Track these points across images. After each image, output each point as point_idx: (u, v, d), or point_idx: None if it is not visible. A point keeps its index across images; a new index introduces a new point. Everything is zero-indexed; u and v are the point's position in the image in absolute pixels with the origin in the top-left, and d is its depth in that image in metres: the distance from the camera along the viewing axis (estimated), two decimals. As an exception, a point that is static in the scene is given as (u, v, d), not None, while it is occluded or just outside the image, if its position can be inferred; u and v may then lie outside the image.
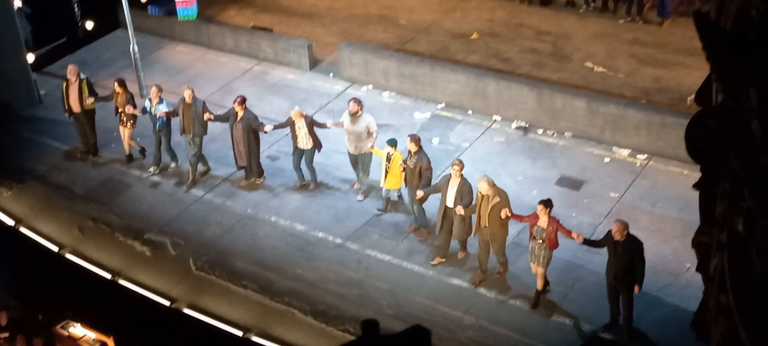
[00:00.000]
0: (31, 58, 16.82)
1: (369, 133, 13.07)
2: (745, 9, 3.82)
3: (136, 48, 16.24)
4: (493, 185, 11.13)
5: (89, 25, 18.79)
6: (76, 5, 18.90)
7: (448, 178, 11.65)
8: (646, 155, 13.86)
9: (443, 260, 12.01)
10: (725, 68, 3.96)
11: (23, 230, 13.57)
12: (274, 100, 16.12)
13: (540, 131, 14.71)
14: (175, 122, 13.92)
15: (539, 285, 11.15)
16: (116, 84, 14.15)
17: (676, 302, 10.95)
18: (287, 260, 12.36)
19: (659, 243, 11.88)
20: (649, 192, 13.01)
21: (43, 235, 13.47)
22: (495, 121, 15.11)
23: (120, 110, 14.21)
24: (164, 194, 13.89)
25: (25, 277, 13.50)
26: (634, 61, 16.33)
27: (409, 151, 12.20)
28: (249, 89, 16.37)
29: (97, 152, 14.86)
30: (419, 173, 12.07)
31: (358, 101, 13.20)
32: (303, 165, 13.53)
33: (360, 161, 13.34)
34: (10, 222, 13.68)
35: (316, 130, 13.33)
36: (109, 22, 19.02)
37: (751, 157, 3.90)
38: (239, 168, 13.88)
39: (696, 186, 5.09)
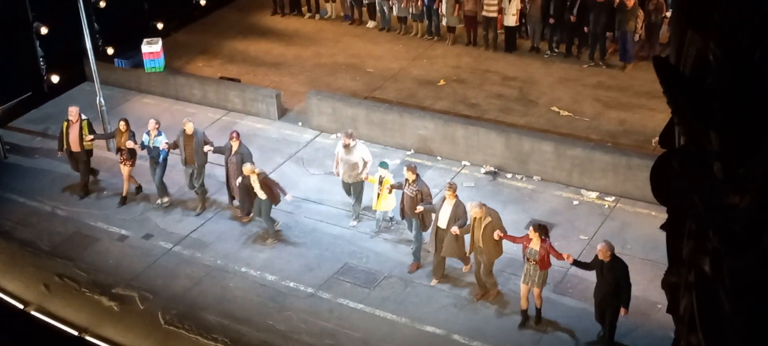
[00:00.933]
0: (-4, 113, 16.69)
1: (364, 163, 13.48)
2: (703, 54, 3.92)
3: (102, 100, 16.19)
4: (483, 206, 11.61)
5: (55, 78, 18.67)
6: (41, 59, 18.77)
7: (442, 200, 12.10)
8: (613, 197, 14.02)
9: (440, 280, 12.42)
10: (685, 112, 4.04)
11: (-13, 287, 13.32)
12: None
13: (509, 175, 14.84)
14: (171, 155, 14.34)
15: (538, 304, 11.49)
16: (121, 123, 14.52)
17: (648, 343, 11.00)
18: (258, 311, 12.25)
19: (629, 284, 11.94)
20: (618, 233, 13.12)
21: (7, 292, 13.21)
22: (464, 166, 15.21)
23: (121, 149, 14.55)
24: (132, 247, 13.74)
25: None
26: (599, 104, 16.58)
27: (408, 180, 12.59)
28: (218, 139, 16.25)
29: (88, 192, 15.13)
30: (420, 200, 12.41)
31: (350, 134, 13.57)
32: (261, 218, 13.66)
33: (353, 190, 13.77)
34: (-26, 280, 13.42)
35: (278, 184, 13.43)
36: (76, 75, 18.95)
37: (715, 198, 3.97)
38: (231, 199, 14.18)
39: (663, 227, 5.14)
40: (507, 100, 16.98)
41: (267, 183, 13.26)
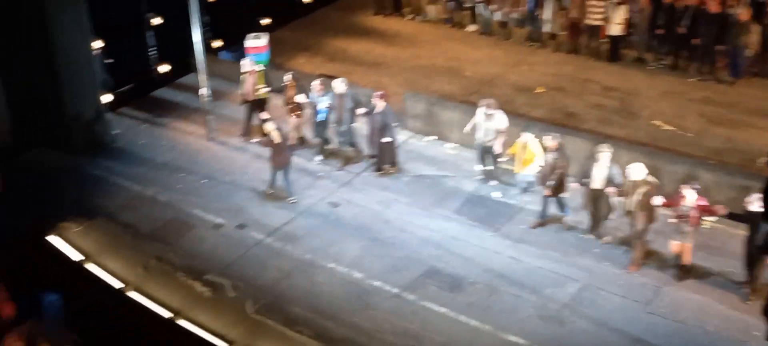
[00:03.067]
0: (107, 99, 17.43)
1: (499, 130, 14.32)
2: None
3: (206, 91, 16.68)
4: (644, 172, 12.09)
5: (163, 68, 19.40)
6: (151, 50, 19.52)
7: (596, 162, 12.63)
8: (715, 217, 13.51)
9: (595, 233, 13.18)
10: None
11: (90, 265, 13.94)
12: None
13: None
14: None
15: (687, 259, 12.06)
16: (290, 78, 15.88)
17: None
18: (343, 307, 12.39)
19: (726, 309, 11.54)
20: (717, 254, 12.66)
21: (109, 271, 13.79)
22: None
23: (290, 102, 15.78)
24: (226, 236, 14.12)
25: (89, 313, 13.84)
26: (704, 120, 16.03)
27: (550, 149, 13.17)
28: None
29: (250, 136, 16.55)
30: (554, 170, 13.05)
31: (490, 102, 14.38)
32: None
33: (491, 153, 14.67)
34: (79, 257, 14.07)
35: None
36: (183, 66, 19.60)
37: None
38: (369, 158, 15.39)
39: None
40: (607, 111, 16.62)
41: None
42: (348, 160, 15.67)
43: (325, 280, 12.95)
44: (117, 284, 13.55)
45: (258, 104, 16.40)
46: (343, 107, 15.20)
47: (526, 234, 13.64)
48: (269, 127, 14.50)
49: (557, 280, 12.54)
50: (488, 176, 14.90)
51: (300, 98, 15.69)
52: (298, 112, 15.91)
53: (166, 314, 12.77)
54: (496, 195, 14.67)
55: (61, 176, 16.16)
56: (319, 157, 15.84)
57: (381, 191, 14.93)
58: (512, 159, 14.26)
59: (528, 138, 13.88)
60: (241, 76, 16.45)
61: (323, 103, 15.43)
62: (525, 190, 14.35)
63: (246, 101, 16.52)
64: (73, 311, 14.26)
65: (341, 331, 11.98)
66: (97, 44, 17.13)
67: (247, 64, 16.43)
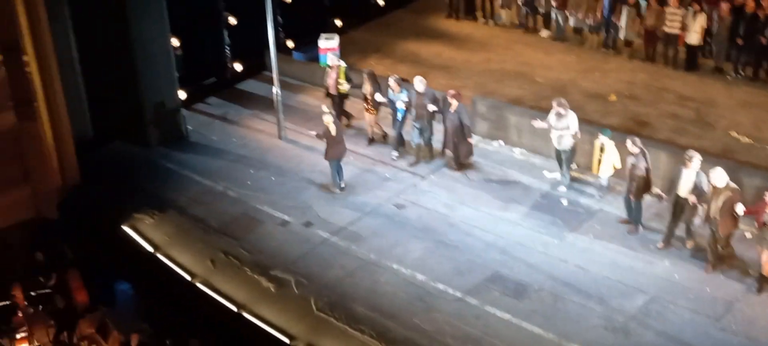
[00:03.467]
0: (182, 95, 17.85)
1: (572, 132, 14.33)
2: None
3: (277, 90, 16.93)
4: (725, 179, 11.97)
5: (238, 66, 19.77)
6: (226, 48, 19.91)
7: (681, 169, 12.50)
8: (791, 233, 13.04)
9: (668, 245, 13.00)
10: None
11: (160, 257, 14.29)
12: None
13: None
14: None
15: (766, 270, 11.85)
16: (365, 75, 16.39)
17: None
18: (406, 309, 12.41)
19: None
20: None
21: (178, 263, 14.12)
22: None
23: (367, 98, 16.26)
24: (292, 233, 14.30)
25: (159, 302, 14.20)
26: (784, 132, 15.52)
27: (631, 152, 13.13)
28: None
29: (349, 123, 17.25)
30: (632, 174, 13.10)
31: (562, 102, 14.36)
32: None
33: (564, 156, 14.62)
34: (150, 248, 14.44)
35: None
36: (257, 65, 19.95)
37: None
38: (444, 156, 15.70)
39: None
40: (681, 121, 16.23)
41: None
42: (423, 158, 15.84)
43: (388, 280, 13.00)
44: (186, 276, 13.87)
45: (340, 98, 16.99)
46: (422, 105, 15.39)
47: (593, 242, 13.43)
48: (327, 119, 14.81)
49: (625, 291, 12.30)
50: (559, 180, 14.86)
51: (378, 97, 16.05)
52: (373, 110, 16.29)
53: (232, 307, 13.01)
54: (564, 201, 14.49)
55: (137, 168, 16.61)
56: (395, 154, 16.13)
57: (447, 193, 14.90)
58: (580, 165, 14.20)
59: (604, 139, 13.86)
60: (327, 70, 17.12)
61: (400, 101, 15.70)
62: (601, 192, 14.32)
63: (329, 95, 17.11)
64: (144, 301, 14.69)
65: (402, 332, 11.99)
66: (175, 41, 17.55)
67: (331, 59, 17.01)
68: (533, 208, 14.42)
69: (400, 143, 16.12)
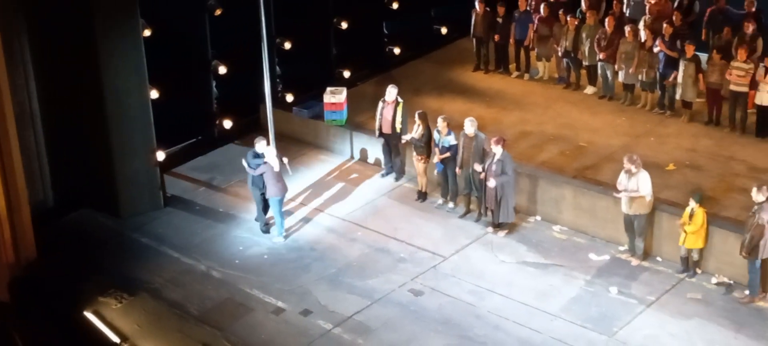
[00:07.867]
0: (161, 156, 17.75)
1: (642, 195, 14.48)
2: None
3: (274, 151, 16.80)
4: None
5: (227, 123, 19.74)
6: (215, 101, 19.89)
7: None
8: None
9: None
10: None
11: (128, 349, 14.08)
12: (423, 225, 16.26)
13: (748, 292, 13.87)
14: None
15: None
16: (417, 116, 16.98)
17: None
18: (422, 419, 12.08)
19: None
20: None
21: (149, 358, 13.90)
22: (691, 272, 14.42)
23: (418, 145, 16.92)
24: (287, 323, 14.07)
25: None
26: None
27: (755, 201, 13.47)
28: (395, 210, 16.60)
29: (402, 173, 17.98)
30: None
31: (633, 159, 14.64)
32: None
33: (637, 223, 14.71)
34: (116, 339, 14.20)
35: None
36: (249, 122, 19.91)
37: None
38: (483, 212, 16.16)
39: None
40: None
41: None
42: (468, 208, 16.51)
43: (400, 383, 12.70)
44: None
45: (394, 139, 17.53)
46: (470, 150, 15.87)
47: (648, 340, 13.10)
48: (270, 155, 15.66)
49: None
50: (637, 251, 15.01)
51: (404, 137, 17.13)
52: (424, 157, 16.93)
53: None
54: (614, 290, 14.20)
55: (104, 242, 16.52)
56: (439, 202, 16.76)
57: (473, 278, 14.65)
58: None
59: (694, 205, 14.07)
60: (381, 105, 17.55)
61: (447, 144, 16.30)
62: (684, 270, 14.48)
63: (382, 134, 17.61)
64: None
65: None
66: (154, 93, 17.51)
67: (390, 93, 17.46)
68: (576, 298, 14.20)
69: (445, 190, 16.74)
